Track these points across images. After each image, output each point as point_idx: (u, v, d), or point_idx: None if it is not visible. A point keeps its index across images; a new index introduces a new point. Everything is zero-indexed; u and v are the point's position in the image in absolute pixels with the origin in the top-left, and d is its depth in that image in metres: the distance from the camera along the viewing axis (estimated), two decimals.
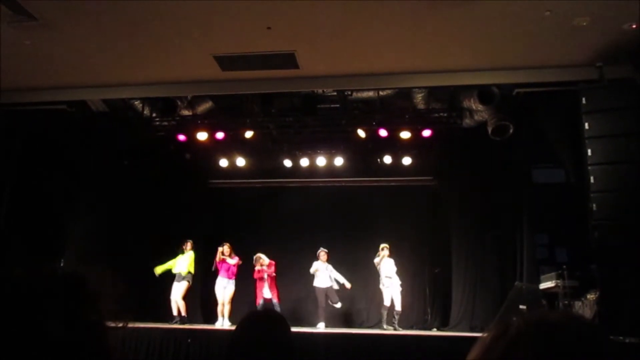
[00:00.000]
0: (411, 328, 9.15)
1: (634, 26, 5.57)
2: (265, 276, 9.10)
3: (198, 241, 9.70)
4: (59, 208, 8.88)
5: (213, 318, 9.35)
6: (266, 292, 9.05)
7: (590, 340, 0.69)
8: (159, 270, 8.97)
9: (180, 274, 8.92)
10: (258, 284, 9.18)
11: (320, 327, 8.63)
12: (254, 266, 9.17)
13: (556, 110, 6.86)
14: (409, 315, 9.53)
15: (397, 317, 8.77)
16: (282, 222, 10.31)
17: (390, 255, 9.02)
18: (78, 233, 9.10)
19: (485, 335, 0.74)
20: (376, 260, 8.98)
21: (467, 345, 0.75)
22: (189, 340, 7.09)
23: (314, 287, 9.04)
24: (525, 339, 0.68)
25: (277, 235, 9.98)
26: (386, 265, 8.95)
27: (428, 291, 9.79)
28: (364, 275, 9.62)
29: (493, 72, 6.85)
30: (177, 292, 8.83)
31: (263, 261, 9.14)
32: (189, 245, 9.18)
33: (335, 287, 9.02)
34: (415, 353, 6.72)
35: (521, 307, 7.39)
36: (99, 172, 9.33)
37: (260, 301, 9.07)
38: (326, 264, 9.15)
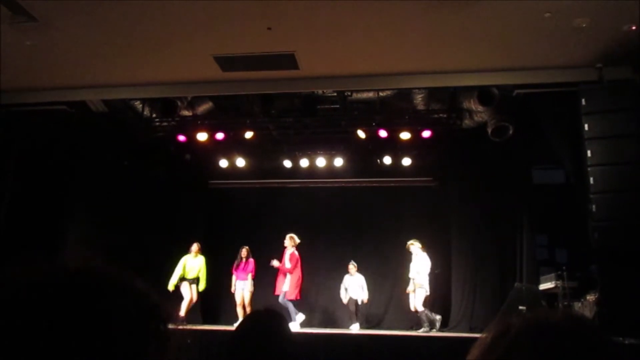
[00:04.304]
0: (411, 329, 9.14)
1: (634, 27, 5.57)
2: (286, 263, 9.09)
3: (197, 242, 9.70)
4: (59, 209, 8.87)
5: (214, 318, 9.36)
6: (284, 284, 8.98)
7: (592, 340, 0.69)
8: (172, 285, 8.87)
9: (190, 278, 9.05)
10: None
11: (354, 329, 8.80)
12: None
13: (556, 111, 6.85)
14: (409, 315, 9.53)
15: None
16: (282, 223, 10.30)
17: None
18: (77, 234, 9.09)
19: (485, 335, 0.73)
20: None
21: (467, 345, 0.75)
22: (189, 341, 7.08)
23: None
24: (526, 339, 0.68)
25: (276, 236, 9.96)
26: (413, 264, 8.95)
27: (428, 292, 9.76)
28: (363, 276, 9.61)
29: (493, 73, 6.85)
30: (189, 293, 8.98)
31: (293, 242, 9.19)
32: (195, 247, 9.20)
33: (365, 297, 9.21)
34: (414, 353, 6.72)
35: (521, 307, 7.39)
36: (99, 173, 9.33)
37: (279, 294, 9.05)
38: (356, 275, 9.30)
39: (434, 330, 8.50)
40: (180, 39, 6.07)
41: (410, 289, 8.82)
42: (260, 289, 9.31)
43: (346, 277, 9.41)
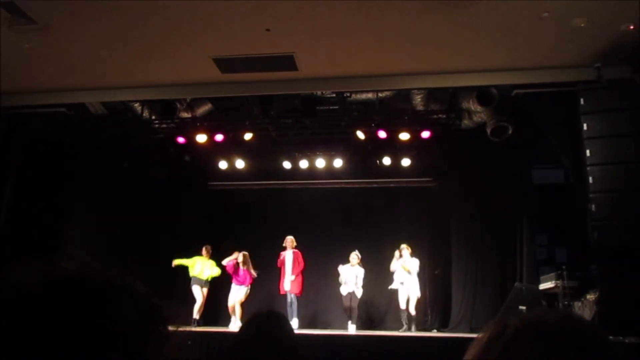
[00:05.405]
0: (411, 329, 9.13)
1: (632, 27, 5.57)
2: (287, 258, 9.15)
3: (197, 243, 9.71)
4: (59, 210, 8.86)
5: (212, 320, 9.35)
6: (289, 283, 9.00)
7: (589, 340, 0.69)
8: (176, 262, 9.15)
9: (203, 280, 9.21)
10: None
11: (351, 330, 8.73)
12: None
13: (555, 111, 6.86)
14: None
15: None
16: (282, 224, 10.29)
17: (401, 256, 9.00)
18: (77, 235, 9.09)
19: (482, 335, 0.73)
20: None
21: (467, 346, 0.76)
22: (189, 343, 7.07)
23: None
24: (523, 339, 0.68)
25: (276, 237, 9.97)
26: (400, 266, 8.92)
27: (428, 292, 9.77)
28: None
29: (492, 73, 6.85)
30: (202, 296, 9.17)
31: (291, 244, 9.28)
32: (205, 251, 9.38)
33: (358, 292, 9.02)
34: (415, 354, 6.72)
35: (521, 307, 7.39)
36: (99, 175, 9.32)
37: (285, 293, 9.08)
38: (355, 267, 9.06)
39: (412, 329, 8.59)
40: (179, 40, 6.07)
41: (400, 289, 8.82)
42: (261, 288, 9.31)
43: (345, 268, 9.09)
